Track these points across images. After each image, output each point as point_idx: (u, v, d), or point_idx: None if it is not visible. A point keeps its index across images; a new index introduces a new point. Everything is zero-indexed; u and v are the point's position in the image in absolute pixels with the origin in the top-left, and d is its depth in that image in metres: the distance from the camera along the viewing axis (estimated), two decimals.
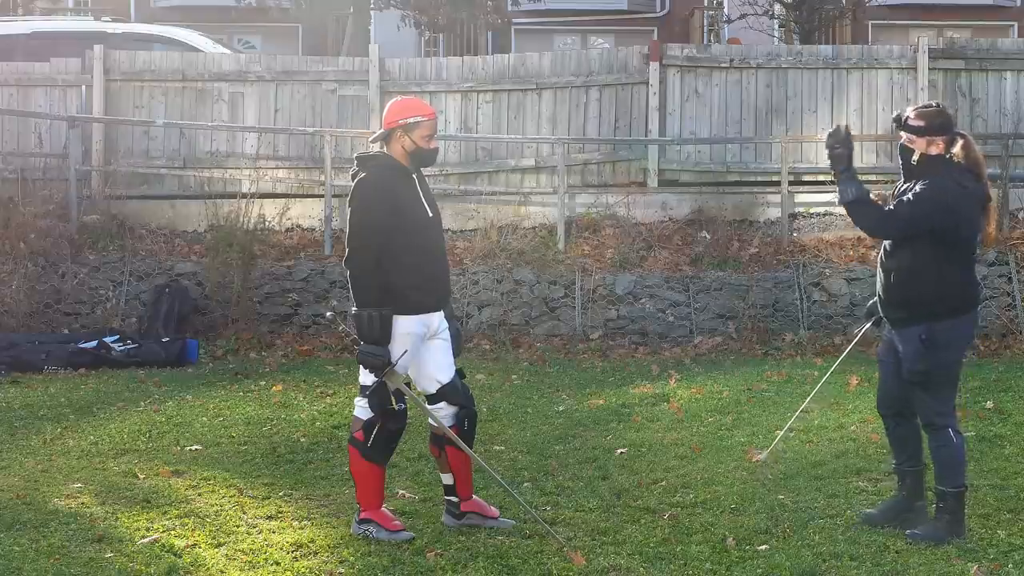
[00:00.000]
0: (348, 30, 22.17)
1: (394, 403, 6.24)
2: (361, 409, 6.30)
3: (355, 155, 6.45)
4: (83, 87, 15.65)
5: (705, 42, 25.54)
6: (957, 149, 6.24)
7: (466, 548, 6.11)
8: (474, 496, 6.60)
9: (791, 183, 14.74)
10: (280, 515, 6.79)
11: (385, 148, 6.38)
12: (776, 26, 24.18)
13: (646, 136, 15.43)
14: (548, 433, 9.08)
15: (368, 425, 6.23)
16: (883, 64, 15.52)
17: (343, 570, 5.83)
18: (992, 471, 7.64)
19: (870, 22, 26.08)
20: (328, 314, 6.57)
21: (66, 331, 13.37)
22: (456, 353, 6.48)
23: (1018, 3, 26.77)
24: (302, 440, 8.82)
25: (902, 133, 6.28)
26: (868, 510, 6.60)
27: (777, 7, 22.81)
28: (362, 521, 6.31)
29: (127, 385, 11.27)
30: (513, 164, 15.56)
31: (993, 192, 15.42)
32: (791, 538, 6.26)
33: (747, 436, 8.79)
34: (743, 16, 22.63)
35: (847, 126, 6.38)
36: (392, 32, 24.01)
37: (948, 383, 6.24)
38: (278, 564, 5.93)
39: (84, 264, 14.06)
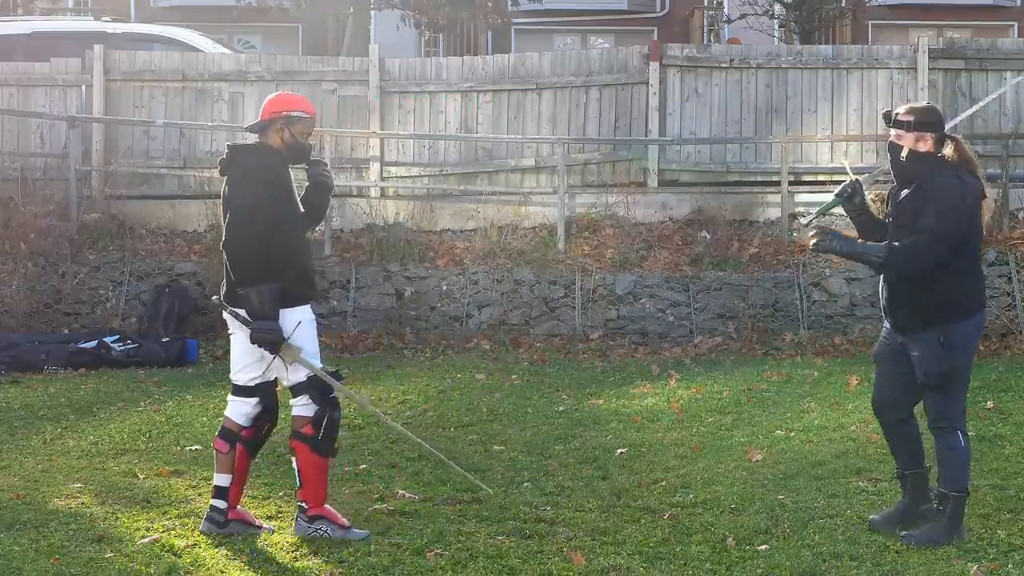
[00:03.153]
0: (348, 30, 22.17)
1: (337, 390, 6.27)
2: (303, 407, 6.26)
3: (229, 144, 6.42)
4: (83, 87, 15.65)
5: (705, 42, 25.55)
6: (948, 151, 6.15)
7: (466, 548, 6.11)
8: (240, 507, 6.47)
9: (791, 183, 14.73)
10: (280, 515, 6.79)
11: (260, 139, 6.34)
12: (776, 26, 24.19)
13: (646, 136, 15.43)
14: (548, 433, 9.08)
15: (317, 419, 6.22)
16: (883, 64, 15.51)
17: (343, 570, 5.83)
18: (992, 471, 7.64)
19: (870, 22, 26.08)
20: (214, 298, 6.56)
21: (66, 331, 13.37)
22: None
23: (1018, 3, 26.77)
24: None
25: (891, 130, 6.18)
26: (874, 516, 6.52)
27: (777, 7, 22.81)
28: (313, 519, 6.25)
29: (127, 385, 11.27)
30: (513, 164, 15.56)
31: (992, 192, 15.49)
32: (791, 538, 6.26)
33: (747, 436, 8.79)
34: (743, 16, 22.64)
35: (814, 234, 6.20)
36: (392, 32, 24.00)
37: (961, 385, 6.18)
38: (278, 564, 5.93)
39: (84, 264, 14.06)
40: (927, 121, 6.14)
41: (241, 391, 6.40)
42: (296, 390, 6.27)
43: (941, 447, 6.19)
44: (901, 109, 6.22)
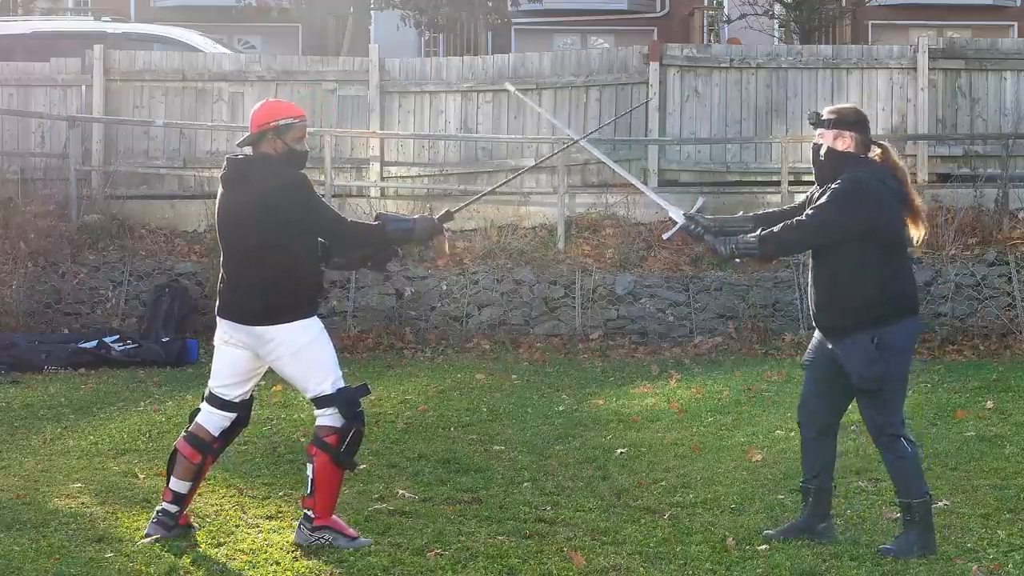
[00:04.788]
0: (348, 30, 22.18)
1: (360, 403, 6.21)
2: (329, 417, 6.10)
3: (238, 155, 6.26)
4: (83, 87, 15.66)
5: (705, 42, 25.53)
6: (874, 154, 6.03)
7: (466, 548, 6.11)
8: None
9: (791, 183, 14.72)
10: (280, 515, 6.79)
11: (252, 151, 6.18)
12: (776, 26, 24.19)
13: (646, 136, 15.43)
14: (548, 433, 9.08)
15: (344, 432, 6.08)
16: (883, 64, 15.52)
17: (343, 570, 5.83)
18: (992, 471, 7.64)
19: (870, 22, 26.08)
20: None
21: (66, 331, 13.37)
22: None
23: (1018, 3, 26.77)
24: (302, 440, 8.80)
25: (816, 130, 6.06)
26: (768, 531, 6.34)
27: (777, 7, 22.81)
28: (316, 528, 6.13)
29: (127, 385, 11.26)
30: (513, 164, 15.55)
31: (992, 192, 15.39)
32: (791, 538, 6.26)
33: (747, 436, 8.79)
34: (743, 16, 22.65)
35: (684, 226, 6.25)
36: (392, 32, 24.01)
37: (899, 391, 6.01)
38: (278, 564, 5.93)
39: (84, 264, 14.05)
40: (846, 120, 6.02)
41: (221, 404, 6.26)
42: (321, 402, 6.11)
43: (891, 458, 6.01)
44: (825, 109, 6.13)
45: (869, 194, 5.88)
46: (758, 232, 6.10)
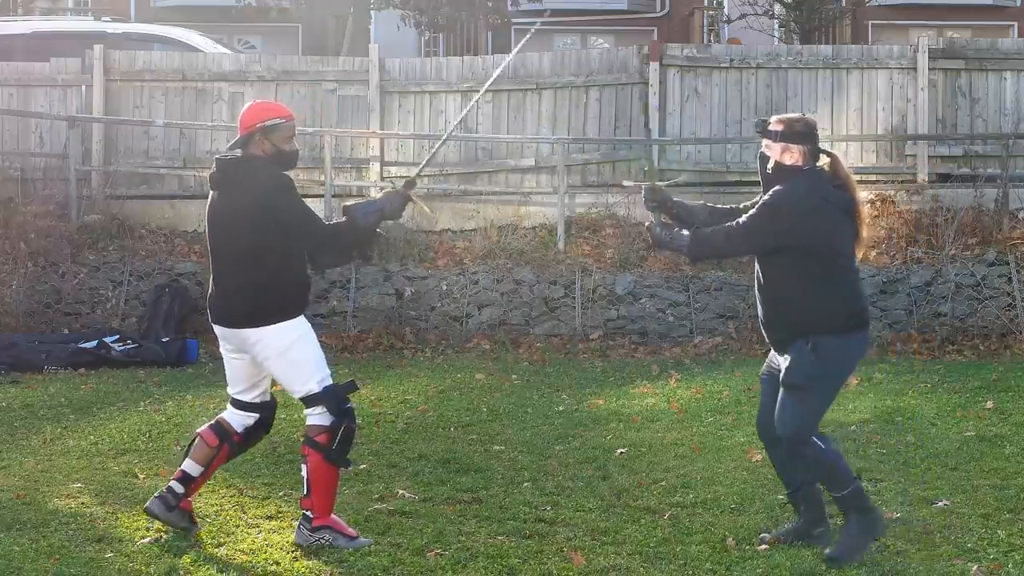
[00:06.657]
0: (348, 30, 22.19)
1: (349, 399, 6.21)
2: (319, 416, 6.12)
3: (226, 156, 6.21)
4: (83, 87, 15.66)
5: (705, 42, 25.55)
6: (823, 164, 5.90)
7: (466, 548, 6.11)
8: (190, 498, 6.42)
9: None
10: (280, 515, 6.79)
11: (242, 153, 6.16)
12: (776, 26, 24.20)
13: (646, 136, 15.43)
14: (548, 433, 9.08)
15: (333, 428, 6.09)
16: (883, 64, 15.52)
17: (343, 570, 5.83)
18: (992, 471, 7.65)
19: (870, 22, 26.10)
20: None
21: (66, 331, 13.37)
22: None
23: (1018, 3, 26.79)
24: (302, 440, 8.80)
25: (763, 140, 5.93)
26: (764, 534, 6.27)
27: (777, 7, 22.82)
28: (316, 528, 6.14)
29: (127, 385, 11.27)
30: (513, 164, 15.57)
31: (992, 192, 15.37)
32: (788, 543, 6.25)
33: (747, 436, 8.79)
34: (743, 16, 22.66)
35: (651, 187, 6.17)
36: (392, 32, 24.02)
37: (823, 401, 5.88)
38: (278, 564, 5.93)
39: (84, 264, 14.06)
40: (794, 132, 5.86)
41: (242, 406, 6.36)
42: (309, 401, 6.13)
43: (808, 461, 5.86)
44: (773, 119, 5.99)
45: (797, 206, 5.75)
46: (692, 231, 5.99)
